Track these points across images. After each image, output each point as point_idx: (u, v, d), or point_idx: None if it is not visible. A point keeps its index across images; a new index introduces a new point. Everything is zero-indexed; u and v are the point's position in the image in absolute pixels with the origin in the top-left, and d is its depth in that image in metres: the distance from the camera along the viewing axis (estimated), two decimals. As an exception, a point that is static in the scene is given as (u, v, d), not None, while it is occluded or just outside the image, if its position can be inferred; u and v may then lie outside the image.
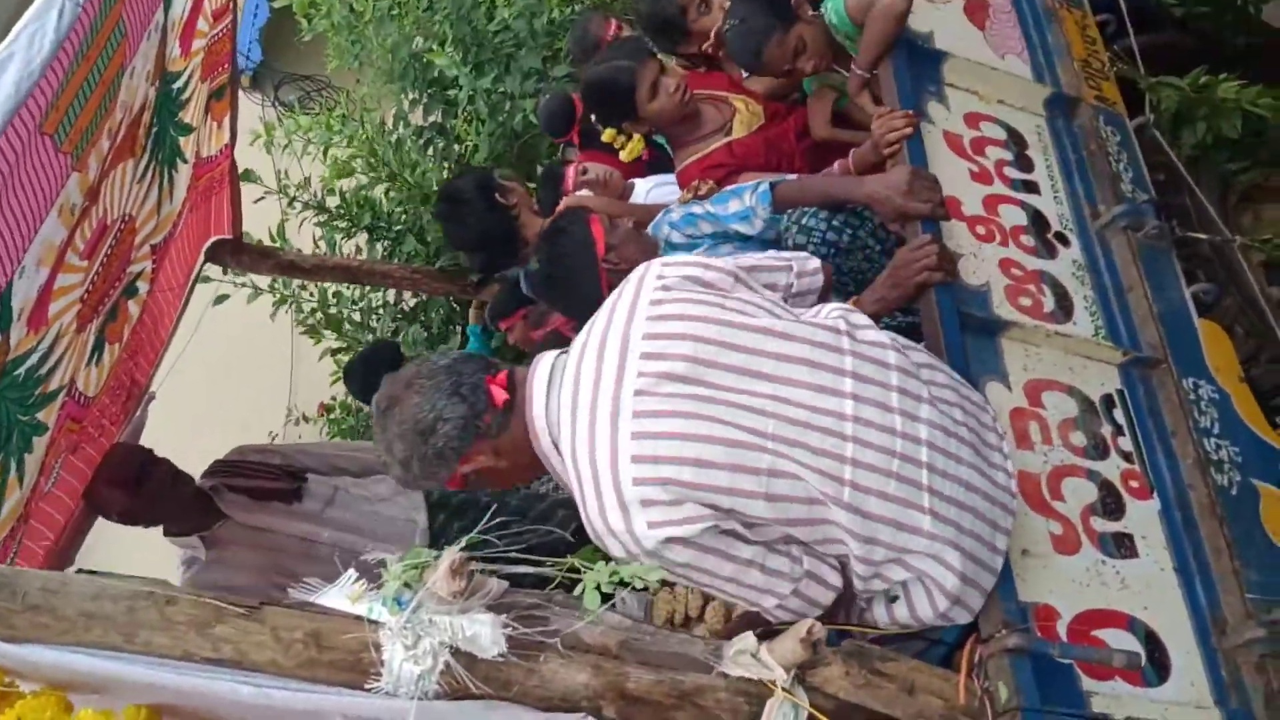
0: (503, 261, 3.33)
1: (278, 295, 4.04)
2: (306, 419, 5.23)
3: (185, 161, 2.87)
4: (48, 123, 1.87)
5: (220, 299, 3.79)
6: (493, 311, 3.71)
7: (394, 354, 3.74)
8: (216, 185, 3.36)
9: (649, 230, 2.53)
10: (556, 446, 1.59)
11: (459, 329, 4.34)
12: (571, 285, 2.32)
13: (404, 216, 4.01)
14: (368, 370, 3.67)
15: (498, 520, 3.10)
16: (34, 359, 2.14)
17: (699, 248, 2.46)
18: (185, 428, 4.41)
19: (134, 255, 2.62)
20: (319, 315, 4.17)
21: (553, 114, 3.46)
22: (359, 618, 1.39)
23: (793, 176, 2.47)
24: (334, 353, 4.34)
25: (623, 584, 1.42)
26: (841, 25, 2.48)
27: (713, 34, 2.70)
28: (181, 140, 2.80)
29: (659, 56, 2.73)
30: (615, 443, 1.50)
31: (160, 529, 3.05)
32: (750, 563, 1.52)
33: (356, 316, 4.28)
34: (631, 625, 1.46)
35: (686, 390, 1.52)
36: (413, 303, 4.28)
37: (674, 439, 1.49)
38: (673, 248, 2.47)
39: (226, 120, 3.24)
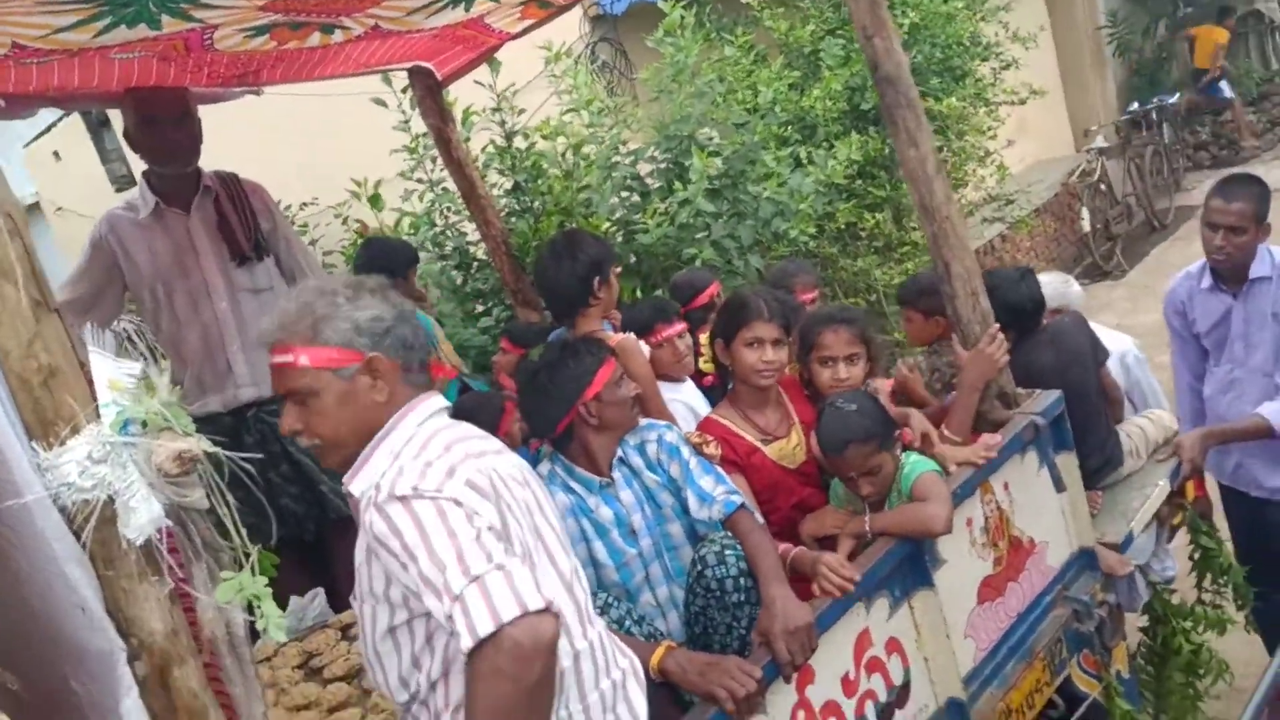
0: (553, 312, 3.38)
1: (414, 144, 4.17)
2: (345, 220, 5.32)
3: (466, 11, 2.99)
4: None
5: (379, 102, 3.92)
6: (512, 329, 3.75)
7: (409, 259, 3.79)
8: (471, 45, 3.49)
9: (644, 422, 2.54)
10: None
11: (488, 307, 4.40)
12: (542, 399, 2.33)
13: (542, 203, 4.12)
14: (380, 252, 3.74)
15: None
16: (204, -12, 2.22)
17: (654, 474, 2.47)
18: (258, 139, 4.51)
19: (357, 17, 2.71)
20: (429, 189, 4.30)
21: (685, 285, 3.52)
22: (94, 398, 1.39)
23: (761, 521, 2.47)
24: (404, 215, 4.45)
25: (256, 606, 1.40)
26: (903, 484, 2.51)
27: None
28: (480, -2, 2.92)
29: (788, 340, 2.74)
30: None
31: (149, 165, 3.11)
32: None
33: (438, 218, 4.40)
34: (230, 637, 1.43)
35: None
36: (480, 257, 4.36)
37: None
38: (641, 452, 2.48)
39: (528, 24, 3.38)
